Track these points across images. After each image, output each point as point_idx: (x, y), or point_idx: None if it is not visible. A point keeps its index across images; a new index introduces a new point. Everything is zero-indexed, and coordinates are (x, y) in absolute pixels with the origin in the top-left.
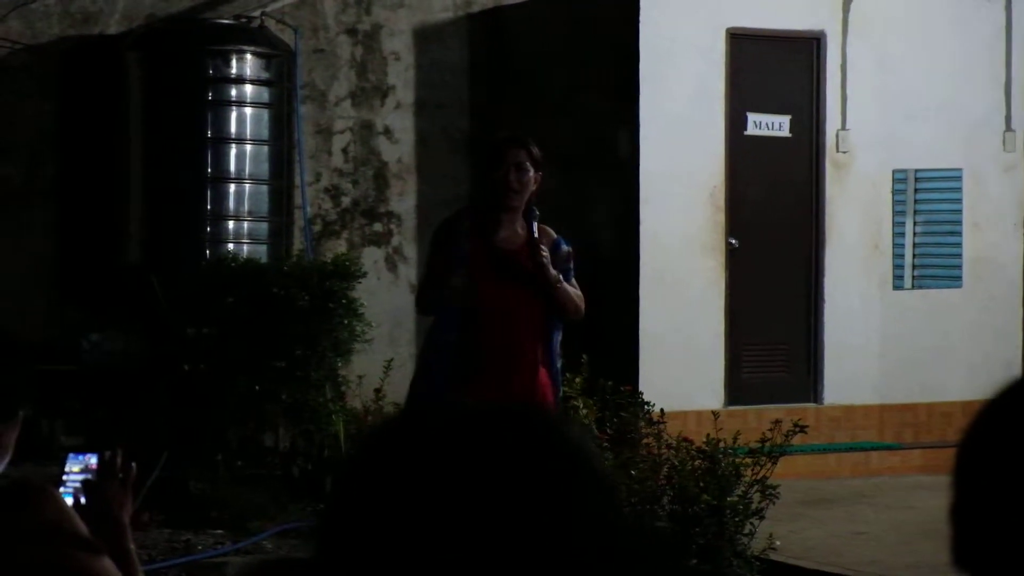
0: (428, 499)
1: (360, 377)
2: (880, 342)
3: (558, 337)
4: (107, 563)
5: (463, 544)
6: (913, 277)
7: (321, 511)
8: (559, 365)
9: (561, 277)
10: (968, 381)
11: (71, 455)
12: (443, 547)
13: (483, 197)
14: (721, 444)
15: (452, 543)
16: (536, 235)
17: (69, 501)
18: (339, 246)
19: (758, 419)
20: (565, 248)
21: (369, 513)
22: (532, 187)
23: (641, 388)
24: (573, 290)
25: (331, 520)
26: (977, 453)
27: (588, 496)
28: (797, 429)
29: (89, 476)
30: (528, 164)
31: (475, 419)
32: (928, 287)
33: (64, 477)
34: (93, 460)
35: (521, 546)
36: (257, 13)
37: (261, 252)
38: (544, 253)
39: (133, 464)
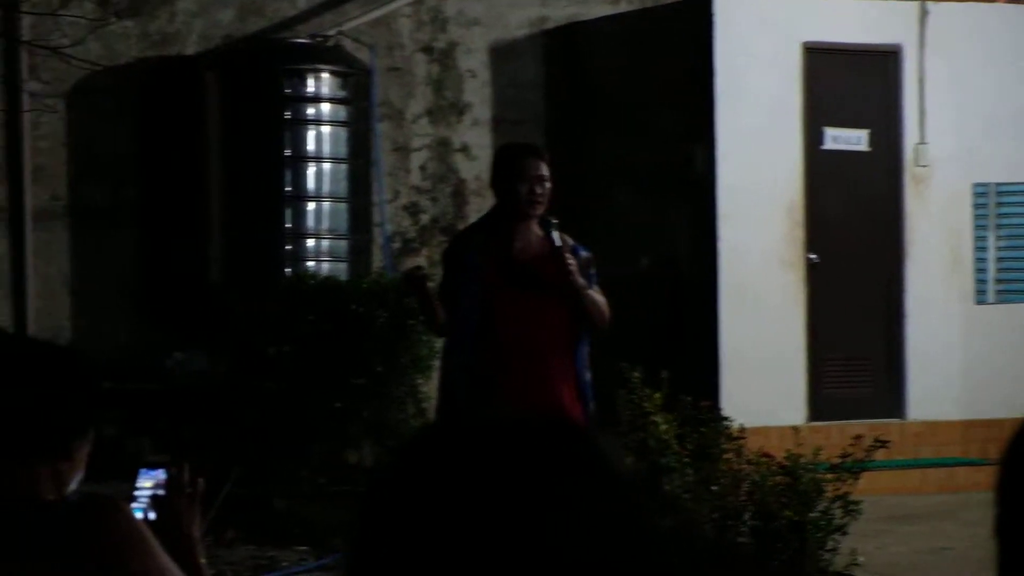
0: (453, 514)
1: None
2: (963, 357)
3: (585, 348)
4: (178, 574)
5: (487, 557)
6: (996, 291)
7: (349, 530)
8: (588, 377)
9: (586, 284)
10: None
11: (142, 470)
12: (467, 561)
13: (497, 208)
14: (802, 459)
15: (476, 557)
16: (558, 243)
17: (139, 516)
18: (419, 263)
19: (841, 434)
20: (585, 254)
21: (394, 531)
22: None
23: (722, 403)
24: (599, 296)
25: (360, 539)
26: (1020, 468)
27: (615, 508)
28: (878, 444)
29: (159, 491)
30: (546, 175)
31: (500, 432)
32: (1012, 301)
33: (135, 492)
34: (163, 475)
35: (545, 557)
36: (333, 32)
37: (341, 270)
38: (571, 260)
39: (201, 479)
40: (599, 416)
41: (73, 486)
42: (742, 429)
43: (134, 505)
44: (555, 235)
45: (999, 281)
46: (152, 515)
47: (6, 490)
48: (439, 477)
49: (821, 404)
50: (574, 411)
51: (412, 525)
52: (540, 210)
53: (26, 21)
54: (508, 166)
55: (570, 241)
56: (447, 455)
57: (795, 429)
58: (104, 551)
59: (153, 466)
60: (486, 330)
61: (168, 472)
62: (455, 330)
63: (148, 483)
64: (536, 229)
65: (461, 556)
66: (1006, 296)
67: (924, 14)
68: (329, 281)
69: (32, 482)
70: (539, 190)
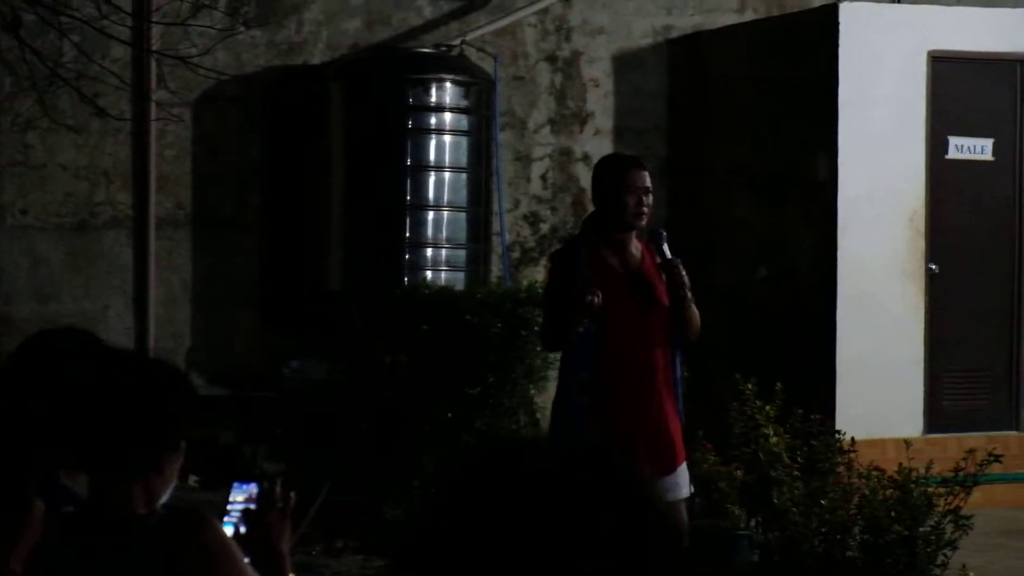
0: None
1: None
2: None
3: (680, 359)
4: None
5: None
6: None
7: (397, 542)
8: (680, 390)
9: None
10: None
11: (235, 484)
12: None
13: (600, 219)
14: (913, 473)
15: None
16: (669, 255)
17: (231, 530)
18: (538, 273)
19: (958, 447)
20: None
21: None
22: None
23: (838, 415)
24: (696, 310)
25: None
26: None
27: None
28: (992, 459)
29: (251, 505)
30: (650, 187)
31: (542, 461)
32: None
33: (228, 506)
34: (256, 489)
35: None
36: (457, 42)
37: (459, 279)
38: (683, 272)
39: (292, 494)
40: (699, 432)
41: (164, 499)
42: (853, 442)
43: (226, 519)
44: (666, 247)
45: None
46: (243, 529)
47: (98, 504)
48: (484, 494)
49: (939, 416)
50: (675, 422)
51: (452, 535)
52: (645, 221)
53: (155, 31)
54: (614, 178)
55: (670, 253)
56: (494, 476)
57: (906, 442)
58: (191, 566)
59: (246, 480)
60: (599, 343)
61: (260, 486)
62: (573, 347)
63: (240, 497)
64: (637, 240)
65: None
66: None
67: None
68: (444, 291)
69: (124, 496)
70: (645, 202)
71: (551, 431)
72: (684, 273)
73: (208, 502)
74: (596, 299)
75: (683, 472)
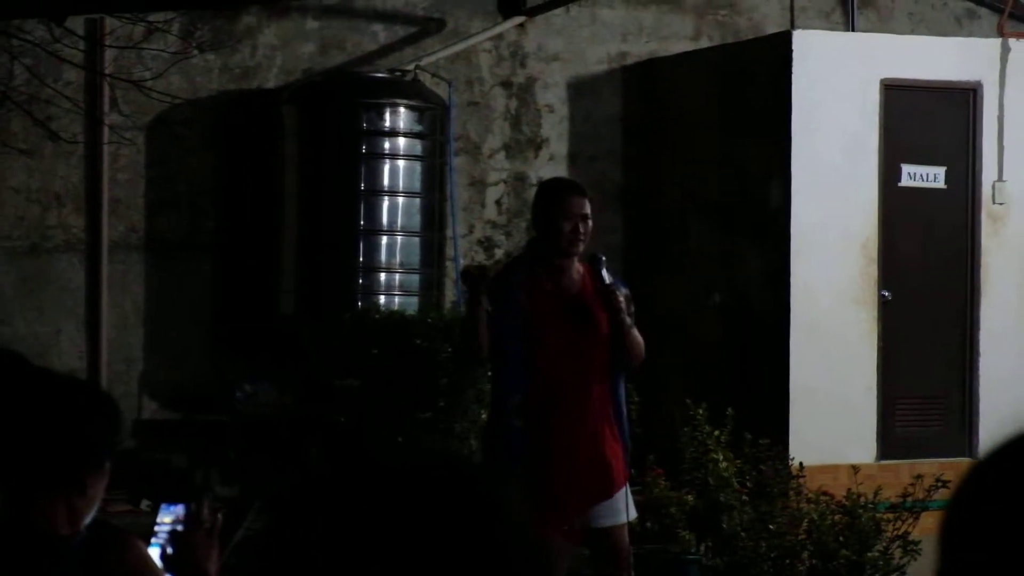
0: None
1: None
2: None
3: (623, 384)
4: None
5: None
6: None
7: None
8: (625, 413)
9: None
10: None
11: (163, 505)
12: None
13: (538, 245)
14: (862, 499)
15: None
16: (608, 280)
17: (157, 551)
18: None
19: (910, 473)
20: (624, 291)
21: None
22: None
23: (792, 440)
24: (638, 336)
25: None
26: (965, 517)
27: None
28: (940, 484)
29: (178, 526)
30: (589, 213)
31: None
32: None
33: (155, 528)
34: (183, 511)
35: None
36: (411, 67)
37: (413, 304)
38: (620, 298)
39: (220, 515)
40: (650, 457)
41: (88, 520)
42: (801, 467)
43: (153, 540)
44: (604, 272)
45: None
46: (170, 550)
47: (22, 523)
48: (337, 511)
49: (892, 442)
50: (612, 448)
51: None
52: (582, 248)
53: (108, 54)
54: (552, 203)
55: (609, 278)
56: (345, 494)
57: (854, 468)
58: None
59: (174, 501)
60: (532, 367)
61: (187, 507)
62: (500, 370)
63: (168, 518)
64: (577, 266)
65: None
66: None
67: (1006, 51)
68: (394, 315)
69: (47, 515)
70: (583, 228)
71: (483, 454)
72: (621, 299)
73: None
74: (477, 270)
75: (621, 497)
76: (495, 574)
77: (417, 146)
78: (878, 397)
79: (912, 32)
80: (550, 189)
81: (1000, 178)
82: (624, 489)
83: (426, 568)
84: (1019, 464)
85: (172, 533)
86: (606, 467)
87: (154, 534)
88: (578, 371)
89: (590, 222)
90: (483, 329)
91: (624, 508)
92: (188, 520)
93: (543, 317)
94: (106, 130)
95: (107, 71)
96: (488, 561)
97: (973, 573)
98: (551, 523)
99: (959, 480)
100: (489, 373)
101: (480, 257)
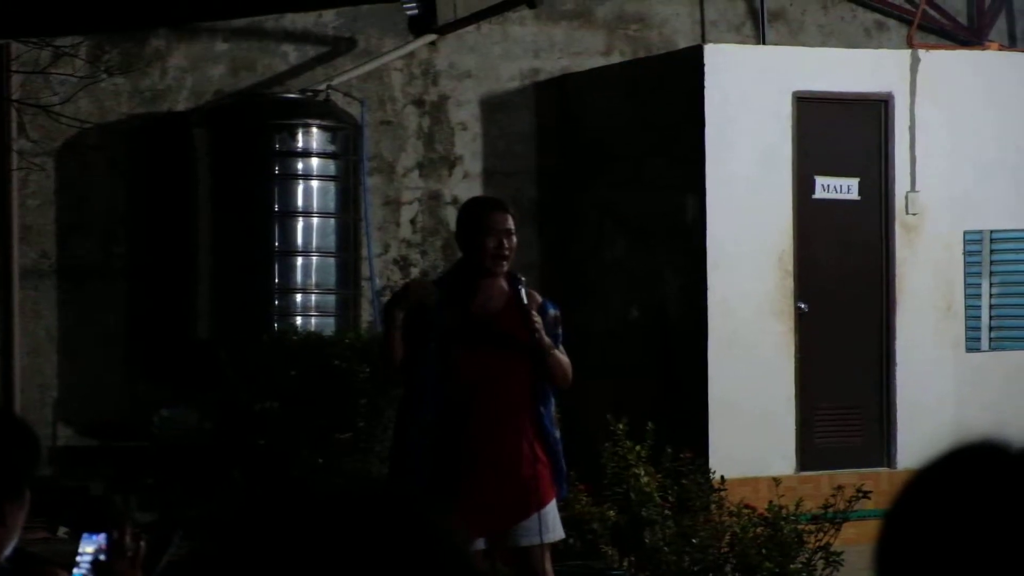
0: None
1: None
2: (954, 405)
3: (551, 405)
4: None
5: None
6: (990, 339)
7: None
8: (557, 435)
9: (552, 343)
10: None
11: (84, 535)
12: None
13: (460, 263)
14: (784, 511)
15: None
16: (525, 301)
17: None
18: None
19: (830, 484)
20: (553, 311)
21: None
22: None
23: (712, 453)
24: (563, 357)
25: None
26: (902, 529)
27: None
28: (860, 495)
29: (100, 556)
30: (513, 229)
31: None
32: (1006, 348)
33: (78, 557)
34: (105, 540)
35: None
36: (323, 87)
37: (329, 324)
38: (536, 319)
39: (142, 543)
40: (571, 473)
41: (8, 551)
42: (723, 480)
43: (75, 571)
44: (522, 292)
45: (993, 328)
46: None
47: None
48: (267, 551)
49: (811, 454)
50: (538, 467)
51: None
52: (506, 265)
53: (15, 79)
54: (475, 220)
55: (539, 298)
56: (274, 523)
57: (775, 480)
58: None
59: (95, 530)
60: (446, 386)
61: (109, 536)
62: (413, 387)
63: (90, 548)
64: (503, 284)
65: None
66: (1000, 344)
67: (916, 62)
68: (312, 336)
69: None
70: (506, 244)
71: (390, 475)
72: (536, 320)
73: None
74: (423, 287)
75: (543, 516)
76: None
77: (331, 166)
78: (797, 409)
79: (823, 44)
80: (472, 207)
81: (913, 188)
82: (547, 508)
83: None
84: (953, 479)
85: (94, 563)
86: (523, 486)
87: (76, 564)
88: (495, 390)
89: (514, 238)
90: (397, 342)
91: (545, 528)
92: (110, 549)
93: (462, 336)
94: (15, 156)
95: (14, 97)
96: None
97: None
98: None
99: (895, 494)
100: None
101: (396, 276)
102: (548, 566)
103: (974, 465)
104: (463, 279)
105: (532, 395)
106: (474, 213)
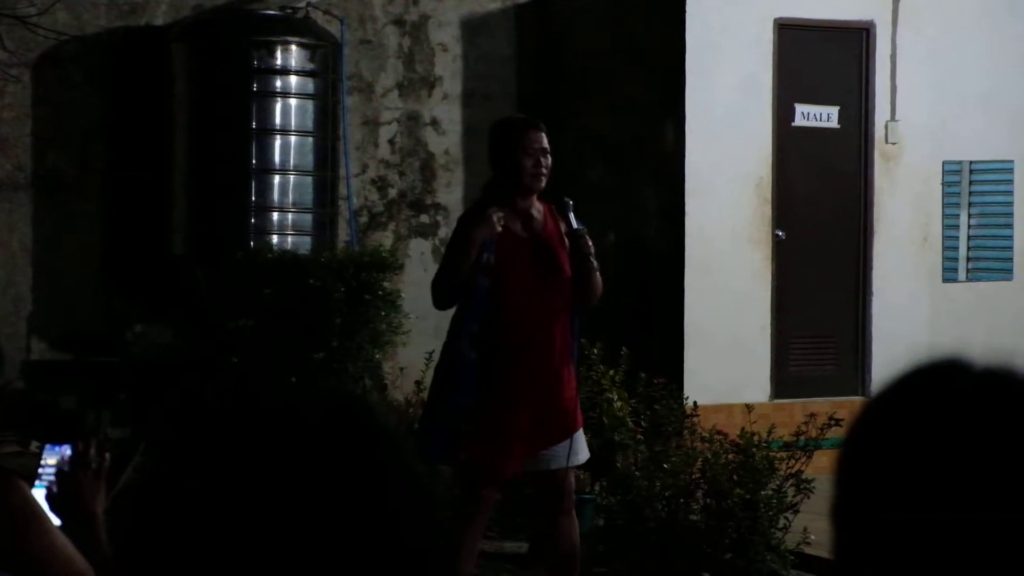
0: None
1: (402, 369)
2: (929, 334)
3: (578, 323)
4: (69, 551)
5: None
6: (967, 270)
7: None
8: (576, 356)
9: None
10: None
11: (47, 447)
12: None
13: (500, 182)
14: (755, 437)
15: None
16: (575, 225)
17: (42, 492)
18: (386, 238)
19: (804, 412)
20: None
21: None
22: None
23: (686, 381)
24: (599, 278)
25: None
26: (862, 450)
27: (397, 488)
28: (832, 423)
29: (64, 467)
30: (548, 148)
31: (282, 413)
32: (982, 279)
33: (40, 469)
34: (69, 452)
35: (330, 539)
36: (303, 4)
37: (306, 243)
38: (590, 242)
39: (107, 455)
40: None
41: None
42: (695, 406)
43: (38, 481)
44: (572, 216)
45: (971, 259)
46: (55, 490)
47: None
48: (216, 453)
49: (786, 382)
50: (570, 389)
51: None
52: (544, 184)
53: None
54: (511, 140)
55: (577, 223)
56: (226, 433)
57: (748, 407)
58: None
59: (58, 442)
60: (495, 304)
61: (74, 448)
62: (469, 301)
63: (52, 459)
64: (538, 204)
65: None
66: (977, 274)
67: None
68: (287, 255)
69: None
70: (544, 162)
71: (433, 386)
72: (591, 243)
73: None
74: (499, 218)
75: (579, 438)
76: (379, 513)
77: (309, 84)
78: (772, 337)
79: None
80: (506, 127)
81: (893, 118)
82: (579, 433)
83: (309, 507)
84: (913, 399)
85: (58, 474)
86: (564, 408)
87: (39, 475)
88: (541, 311)
89: (550, 156)
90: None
91: (574, 452)
92: (74, 461)
93: (509, 258)
94: None
95: None
96: (374, 499)
97: (868, 509)
98: (501, 461)
99: (854, 416)
100: (383, 313)
101: (374, 196)
102: (571, 485)
103: (935, 384)
104: (502, 201)
105: (570, 313)
106: (509, 132)
